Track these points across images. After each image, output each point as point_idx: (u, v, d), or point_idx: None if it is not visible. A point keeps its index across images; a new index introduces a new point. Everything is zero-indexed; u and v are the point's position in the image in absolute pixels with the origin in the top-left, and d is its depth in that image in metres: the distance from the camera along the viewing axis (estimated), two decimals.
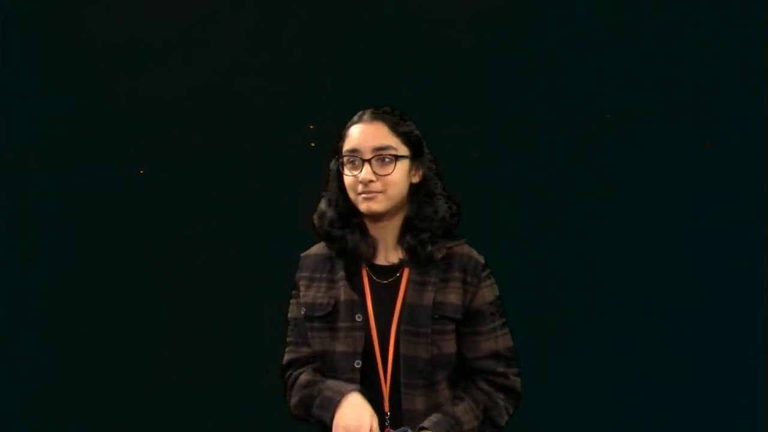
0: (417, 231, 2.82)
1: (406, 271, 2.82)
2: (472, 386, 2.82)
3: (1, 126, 4.98)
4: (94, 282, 4.94)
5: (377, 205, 2.79)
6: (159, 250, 4.93)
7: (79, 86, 4.91)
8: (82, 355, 4.96)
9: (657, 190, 4.84)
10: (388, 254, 2.85)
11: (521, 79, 4.86)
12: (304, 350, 2.86)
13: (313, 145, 4.86)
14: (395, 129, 2.82)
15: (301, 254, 2.94)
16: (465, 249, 2.86)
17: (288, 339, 2.91)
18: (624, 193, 4.85)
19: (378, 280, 2.83)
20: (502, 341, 2.84)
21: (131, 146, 4.99)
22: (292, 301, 2.91)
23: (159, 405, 4.92)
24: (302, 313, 2.86)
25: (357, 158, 2.80)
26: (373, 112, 2.84)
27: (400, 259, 2.83)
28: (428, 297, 2.79)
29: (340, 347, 2.80)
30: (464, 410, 2.78)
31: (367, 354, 2.79)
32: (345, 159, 2.82)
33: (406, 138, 2.82)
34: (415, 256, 2.81)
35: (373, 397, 2.78)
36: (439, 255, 2.82)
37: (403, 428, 2.75)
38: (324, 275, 2.86)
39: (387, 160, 2.79)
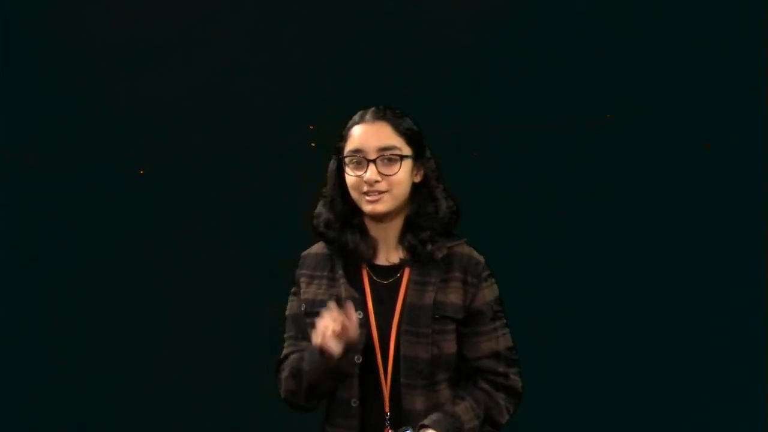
0: (418, 230, 2.82)
1: (406, 271, 2.82)
2: (473, 386, 2.82)
3: (1, 126, 4.98)
4: (94, 282, 4.94)
5: (382, 206, 2.79)
6: (159, 250, 4.93)
7: (79, 86, 4.92)
8: (82, 355, 4.96)
9: (657, 190, 4.84)
10: (389, 254, 2.85)
11: (521, 79, 4.86)
12: (303, 344, 2.85)
13: (313, 145, 4.86)
14: (398, 129, 2.82)
15: (302, 253, 2.94)
16: (465, 249, 2.86)
17: (286, 334, 2.90)
18: (624, 193, 4.86)
19: (378, 280, 2.83)
20: (503, 341, 2.84)
21: (131, 146, 4.99)
22: (292, 297, 2.91)
23: (159, 405, 4.92)
24: (302, 309, 2.86)
25: (361, 158, 2.80)
26: (375, 112, 2.84)
27: (400, 259, 2.83)
28: (429, 297, 2.79)
29: None
30: (465, 409, 2.78)
31: (368, 354, 2.79)
32: (348, 159, 2.81)
33: (408, 138, 2.83)
34: (415, 256, 2.81)
35: (373, 399, 2.78)
36: (439, 255, 2.82)
37: (403, 428, 2.75)
38: (325, 273, 2.86)
39: (392, 159, 2.79)
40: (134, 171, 5.02)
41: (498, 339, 2.83)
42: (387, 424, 2.77)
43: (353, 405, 2.79)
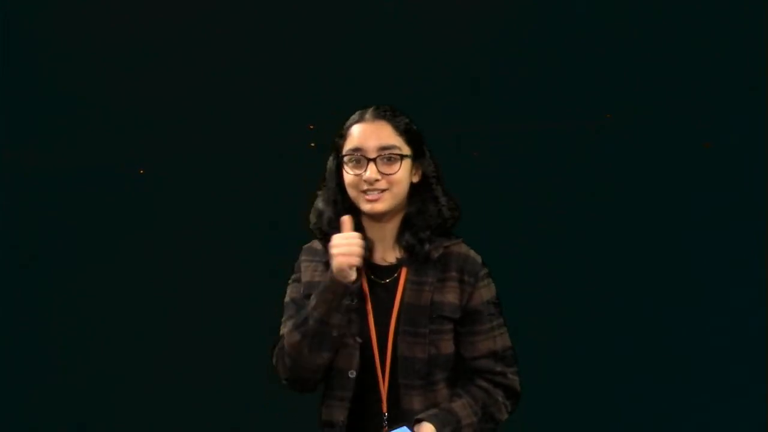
0: (416, 230, 2.82)
1: (403, 271, 2.82)
2: (471, 384, 2.82)
3: (1, 126, 4.98)
4: (94, 282, 4.94)
5: (381, 205, 2.79)
6: (159, 250, 4.93)
7: (79, 86, 4.92)
8: (82, 355, 4.96)
9: (657, 190, 4.84)
10: (386, 254, 2.85)
11: (521, 79, 4.86)
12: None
13: (313, 145, 4.86)
14: (398, 128, 2.82)
15: (303, 246, 2.94)
16: (462, 248, 2.86)
17: (285, 317, 2.87)
18: (624, 193, 4.86)
19: (376, 280, 2.83)
20: (500, 341, 2.84)
21: (131, 146, 4.99)
22: (293, 284, 2.89)
23: (159, 405, 4.92)
24: (302, 291, 2.85)
25: (361, 157, 2.80)
26: (375, 111, 2.84)
27: (398, 259, 2.83)
28: (426, 297, 2.79)
29: None
30: (462, 406, 2.78)
31: (365, 354, 2.79)
32: (347, 158, 2.81)
33: (408, 138, 2.83)
34: (413, 256, 2.81)
35: (371, 399, 2.78)
36: (436, 254, 2.82)
37: (401, 428, 2.75)
38: (325, 260, 2.85)
39: (392, 159, 2.79)
40: (134, 171, 5.02)
41: (495, 339, 2.83)
42: (385, 424, 2.77)
43: (350, 376, 2.78)
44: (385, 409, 2.79)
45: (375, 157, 2.79)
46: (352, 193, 2.82)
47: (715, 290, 4.77)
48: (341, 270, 2.71)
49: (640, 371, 4.81)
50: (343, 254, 2.70)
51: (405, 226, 2.84)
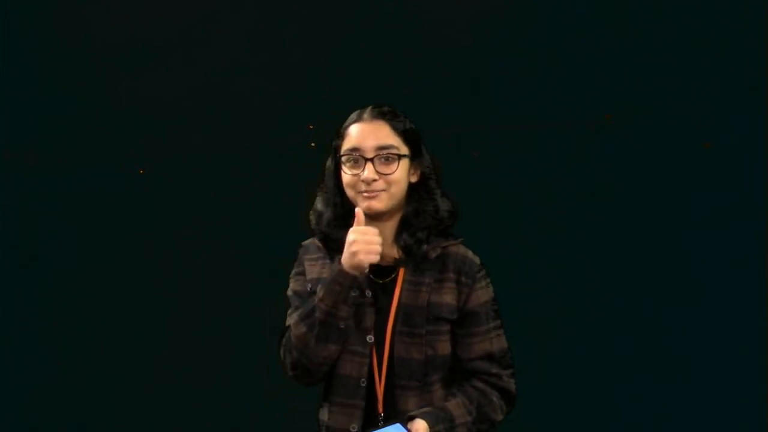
0: (414, 230, 2.82)
1: (401, 272, 2.82)
2: (466, 384, 2.82)
3: (1, 126, 4.98)
4: (94, 282, 4.94)
5: (379, 204, 2.79)
6: (159, 250, 4.93)
7: (79, 86, 4.92)
8: (82, 355, 4.96)
9: (657, 190, 4.84)
10: (385, 254, 2.84)
11: (521, 79, 4.86)
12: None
13: (313, 145, 4.86)
14: (396, 128, 2.82)
15: (303, 243, 2.93)
16: (460, 249, 2.86)
17: (291, 309, 2.86)
18: (624, 193, 4.85)
19: (375, 280, 2.83)
20: (497, 343, 2.83)
21: (131, 146, 4.99)
22: (297, 277, 2.88)
23: (159, 405, 4.92)
24: (308, 288, 2.84)
25: (359, 157, 2.80)
26: (373, 111, 2.84)
27: (395, 259, 2.83)
28: (423, 298, 2.79)
29: None
30: (456, 405, 2.78)
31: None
32: (345, 157, 2.82)
33: (406, 137, 2.83)
34: (410, 255, 2.81)
35: (367, 399, 2.78)
36: (433, 254, 2.82)
37: (394, 425, 2.74)
38: (327, 260, 2.85)
39: (390, 158, 2.79)
40: (134, 171, 5.02)
41: (492, 340, 2.83)
42: (380, 424, 2.77)
43: (362, 385, 2.78)
44: (381, 409, 2.79)
45: (373, 156, 2.79)
46: (350, 193, 2.82)
47: (715, 290, 4.77)
48: (360, 266, 2.70)
49: (640, 371, 4.81)
50: (364, 251, 2.69)
51: (403, 226, 2.84)
